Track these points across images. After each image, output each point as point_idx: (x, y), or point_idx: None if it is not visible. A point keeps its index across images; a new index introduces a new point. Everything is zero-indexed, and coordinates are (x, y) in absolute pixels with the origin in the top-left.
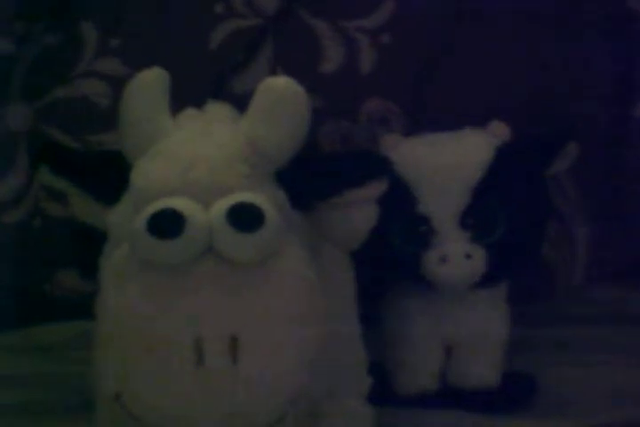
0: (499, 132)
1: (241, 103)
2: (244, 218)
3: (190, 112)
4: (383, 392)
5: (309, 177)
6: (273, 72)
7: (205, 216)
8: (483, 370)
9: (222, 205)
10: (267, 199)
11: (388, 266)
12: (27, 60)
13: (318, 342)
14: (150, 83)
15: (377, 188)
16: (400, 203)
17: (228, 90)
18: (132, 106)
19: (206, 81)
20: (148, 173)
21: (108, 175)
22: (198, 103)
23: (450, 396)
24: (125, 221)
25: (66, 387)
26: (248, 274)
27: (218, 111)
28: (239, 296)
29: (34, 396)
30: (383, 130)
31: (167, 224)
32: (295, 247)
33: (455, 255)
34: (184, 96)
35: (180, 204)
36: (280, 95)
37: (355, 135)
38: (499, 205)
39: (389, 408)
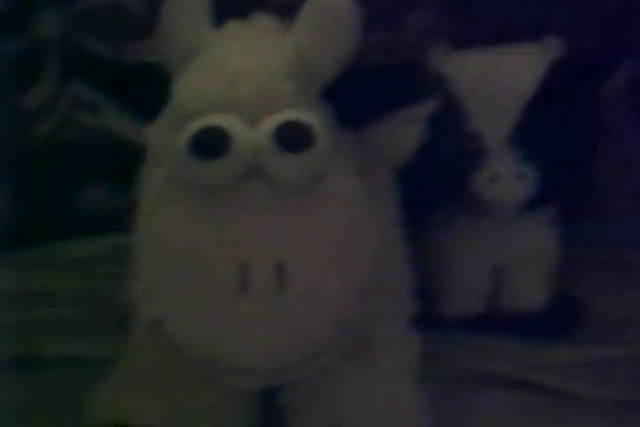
0: (553, 47)
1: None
2: (293, 137)
3: (234, 25)
4: (428, 315)
5: (358, 94)
6: None
7: (252, 134)
8: (531, 292)
9: (270, 123)
10: (316, 117)
11: (436, 185)
12: None
13: (366, 268)
14: None
15: (429, 106)
16: (449, 119)
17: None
18: (172, 16)
19: None
20: (191, 87)
21: (146, 89)
22: (240, 16)
23: (496, 319)
24: (165, 138)
25: (96, 303)
26: (295, 197)
27: (263, 24)
28: (286, 220)
29: (65, 312)
30: (429, 42)
31: (211, 143)
32: (344, 169)
33: (506, 175)
34: (224, 7)
35: (224, 121)
36: (330, 7)
37: (399, 47)
38: (551, 124)
39: (434, 332)
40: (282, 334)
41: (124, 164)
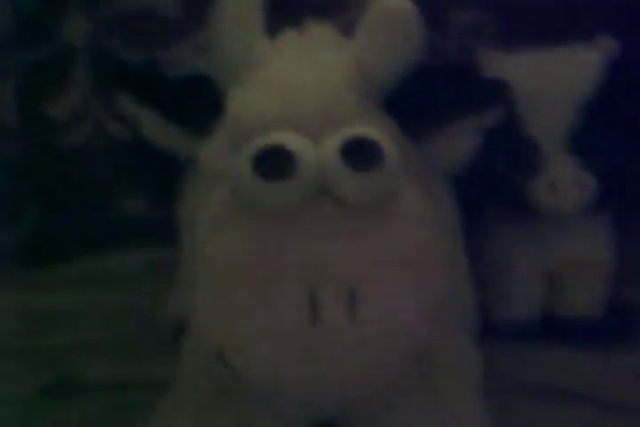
0: (608, 47)
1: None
2: (361, 155)
3: (290, 35)
4: (482, 325)
5: (421, 104)
6: None
7: (316, 153)
8: (585, 300)
9: (334, 140)
10: (381, 131)
11: (490, 192)
12: None
13: (439, 290)
14: (241, 4)
15: (493, 115)
16: (505, 125)
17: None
18: (224, 30)
19: None
20: (248, 102)
21: (198, 104)
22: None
23: (551, 327)
24: (220, 156)
25: (134, 322)
26: (364, 217)
27: (320, 34)
28: (356, 242)
29: (101, 333)
30: (477, 44)
31: (275, 163)
32: (413, 184)
33: (564, 183)
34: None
35: (287, 139)
36: (394, 17)
37: (445, 49)
38: (608, 127)
39: (488, 342)
40: (354, 365)
41: (160, 177)
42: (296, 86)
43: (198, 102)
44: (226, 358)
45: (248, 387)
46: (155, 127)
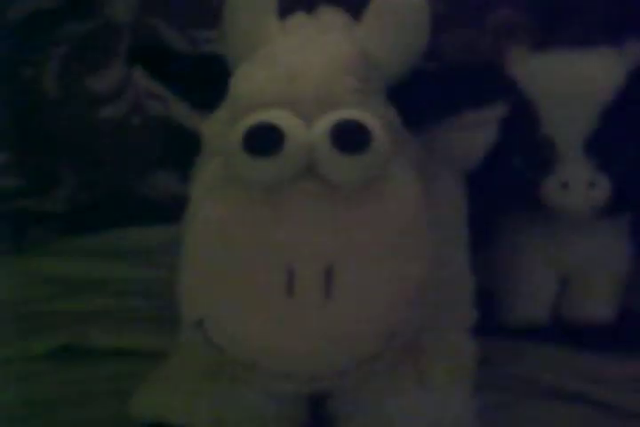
0: (635, 52)
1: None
2: (349, 137)
3: (300, 17)
4: (491, 323)
5: (425, 95)
6: None
7: (307, 133)
8: (598, 304)
9: (326, 121)
10: (375, 117)
11: (505, 191)
12: None
13: (421, 275)
14: None
15: (498, 110)
16: (522, 123)
17: None
18: (236, 8)
19: None
20: (248, 80)
21: (208, 81)
22: (309, 7)
23: (561, 330)
24: (222, 131)
25: (152, 293)
26: (349, 199)
27: (330, 18)
28: (338, 223)
29: (120, 302)
30: (510, 42)
31: (264, 140)
32: (403, 171)
33: (577, 183)
34: None
35: (279, 117)
36: (399, 5)
37: (479, 45)
38: (628, 132)
39: (496, 341)
40: (326, 338)
41: (187, 152)
42: (296, 67)
43: (210, 80)
44: (203, 329)
45: (229, 360)
46: (173, 103)
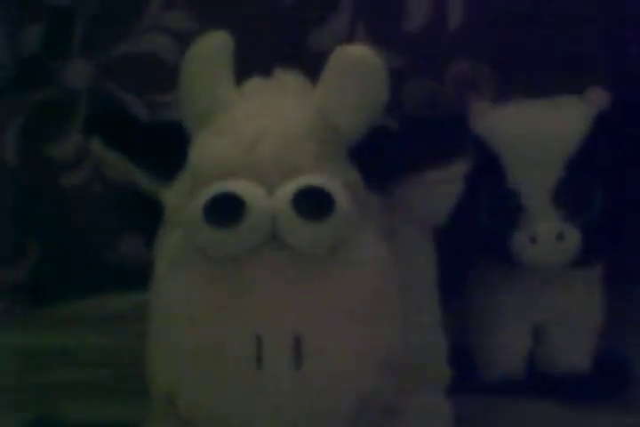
0: (597, 99)
1: (317, 64)
2: (312, 204)
3: (256, 82)
4: (465, 378)
5: (386, 152)
6: (353, 29)
7: (268, 201)
8: (573, 355)
9: (288, 189)
10: (338, 181)
11: (473, 244)
12: (87, 13)
13: (392, 342)
14: (212, 49)
15: (463, 164)
16: (487, 176)
17: (304, 49)
18: (192, 74)
19: (279, 39)
20: (207, 149)
21: (166, 150)
22: (270, 65)
23: (536, 383)
24: (181, 202)
25: (123, 364)
26: (315, 266)
27: (287, 81)
28: (304, 291)
29: (91, 374)
30: (471, 93)
31: (225, 211)
32: (369, 235)
33: (546, 236)
34: (254, 57)
35: (240, 187)
36: (355, 66)
37: (440, 97)
38: (595, 181)
39: (471, 396)
40: (297, 411)
41: (153, 219)
42: (255, 134)
43: (170, 148)
44: (173, 403)
45: None
46: (123, 171)
